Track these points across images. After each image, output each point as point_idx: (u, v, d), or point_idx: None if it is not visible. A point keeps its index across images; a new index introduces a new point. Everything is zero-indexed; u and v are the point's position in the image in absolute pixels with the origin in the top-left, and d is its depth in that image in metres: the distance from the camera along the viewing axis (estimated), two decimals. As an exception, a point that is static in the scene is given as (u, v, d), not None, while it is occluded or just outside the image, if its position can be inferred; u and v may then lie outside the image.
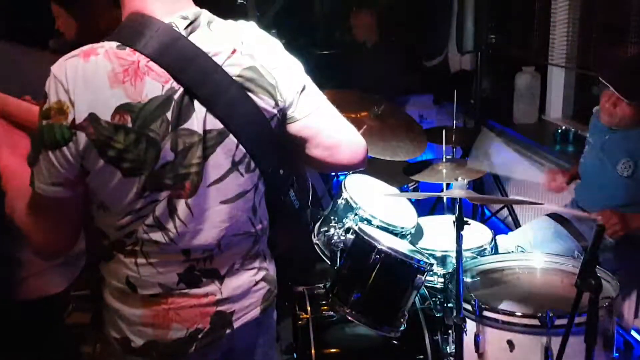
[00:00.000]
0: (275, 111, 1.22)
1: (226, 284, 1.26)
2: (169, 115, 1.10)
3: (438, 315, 2.18)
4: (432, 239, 2.47)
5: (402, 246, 2.06)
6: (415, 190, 3.11)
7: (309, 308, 2.21)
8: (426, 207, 3.71)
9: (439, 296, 2.28)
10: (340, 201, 2.26)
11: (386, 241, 1.96)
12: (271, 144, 1.25)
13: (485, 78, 3.99)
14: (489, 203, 3.34)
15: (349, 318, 1.94)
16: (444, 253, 2.31)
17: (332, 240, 2.14)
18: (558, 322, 1.79)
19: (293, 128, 1.27)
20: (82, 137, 1.06)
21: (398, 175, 2.94)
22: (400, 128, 2.75)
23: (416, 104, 5.12)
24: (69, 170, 1.08)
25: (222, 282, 1.26)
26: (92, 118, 1.05)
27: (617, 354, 1.93)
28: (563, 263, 2.19)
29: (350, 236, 2.06)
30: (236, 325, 1.28)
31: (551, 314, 1.78)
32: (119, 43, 1.09)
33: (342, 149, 1.31)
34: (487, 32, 3.55)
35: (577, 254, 2.35)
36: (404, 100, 5.07)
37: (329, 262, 2.21)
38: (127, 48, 1.09)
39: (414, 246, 2.25)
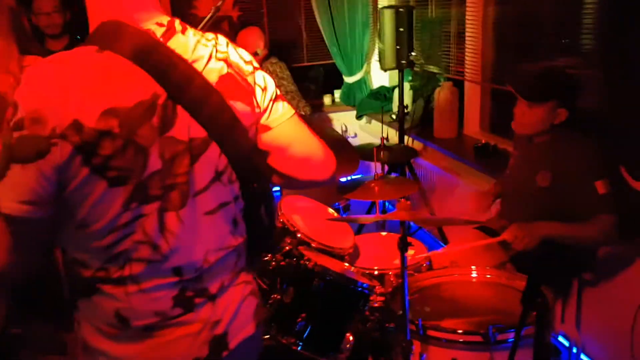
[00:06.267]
0: (252, 119, 1.20)
1: (218, 304, 1.20)
2: (155, 121, 1.04)
3: (378, 335, 2.16)
4: (368, 257, 2.46)
5: (345, 269, 2.04)
6: (346, 208, 3.10)
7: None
8: (355, 224, 3.71)
9: (376, 314, 2.26)
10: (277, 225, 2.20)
11: (330, 265, 1.92)
12: (249, 154, 1.21)
13: (406, 94, 4.07)
14: (435, 225, 3.39)
15: (293, 348, 1.88)
16: (381, 272, 2.31)
17: (270, 267, 2.07)
18: (500, 337, 1.82)
19: (267, 137, 1.24)
20: (64, 146, 0.97)
21: (330, 194, 2.92)
22: (330, 146, 2.73)
23: (338, 119, 5.18)
24: (44, 186, 0.99)
25: (215, 302, 1.20)
26: (76, 125, 0.97)
27: (553, 363, 2.00)
28: (496, 276, 2.25)
29: (291, 261, 2.01)
30: (232, 345, 1.22)
31: (493, 330, 1.81)
32: (97, 47, 1.02)
33: (313, 162, 1.29)
34: (408, 50, 3.62)
35: (509, 265, 2.42)
36: (325, 116, 5.11)
37: (268, 289, 2.15)
38: (107, 51, 1.02)
39: (353, 267, 2.23)
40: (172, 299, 1.13)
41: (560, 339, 2.70)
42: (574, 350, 2.62)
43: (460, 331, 1.88)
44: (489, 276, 2.26)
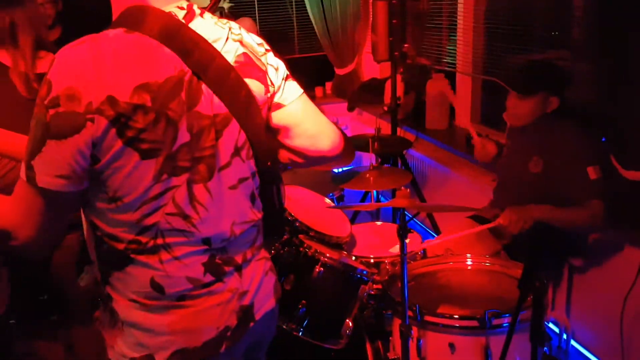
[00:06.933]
0: (266, 97, 1.25)
1: (244, 274, 1.25)
2: (183, 96, 1.09)
3: (375, 321, 2.20)
4: (364, 246, 2.50)
5: (344, 257, 2.07)
6: (340, 198, 3.13)
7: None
8: (349, 214, 3.74)
9: (372, 302, 2.30)
10: (275, 214, 2.22)
11: (329, 253, 1.95)
12: (264, 132, 1.26)
13: (397, 86, 4.09)
14: (430, 211, 3.42)
15: (294, 334, 1.91)
16: (377, 260, 2.35)
17: (271, 255, 2.10)
18: (496, 322, 1.86)
19: (279, 114, 1.29)
20: (99, 121, 1.01)
21: (325, 184, 2.95)
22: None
23: (329, 111, 5.20)
24: (78, 160, 1.03)
25: (241, 273, 1.25)
26: (110, 100, 1.01)
27: (546, 348, 2.04)
28: (490, 263, 2.29)
29: (290, 250, 2.03)
30: (257, 317, 1.28)
31: (489, 315, 1.85)
32: (125, 29, 1.07)
33: (323, 139, 1.34)
34: (401, 41, 3.64)
35: (503, 253, 2.47)
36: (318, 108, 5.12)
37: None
38: (135, 32, 1.07)
39: (351, 255, 2.26)
40: (202, 265, 1.18)
41: (551, 325, 2.75)
42: (564, 336, 2.67)
43: (456, 316, 1.92)
44: (483, 264, 2.30)
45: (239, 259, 1.25)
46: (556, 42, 3.26)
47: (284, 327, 1.93)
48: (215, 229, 1.18)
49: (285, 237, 2.11)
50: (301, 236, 2.09)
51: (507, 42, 3.63)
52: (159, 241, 1.13)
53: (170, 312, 1.17)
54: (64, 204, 1.09)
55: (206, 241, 1.18)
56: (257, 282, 1.29)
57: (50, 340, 2.00)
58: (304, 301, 1.91)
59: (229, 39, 1.20)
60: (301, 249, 2.00)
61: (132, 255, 1.13)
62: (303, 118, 1.31)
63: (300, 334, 1.90)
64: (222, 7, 4.62)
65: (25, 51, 1.71)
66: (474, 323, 1.87)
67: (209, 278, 1.19)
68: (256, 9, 5.09)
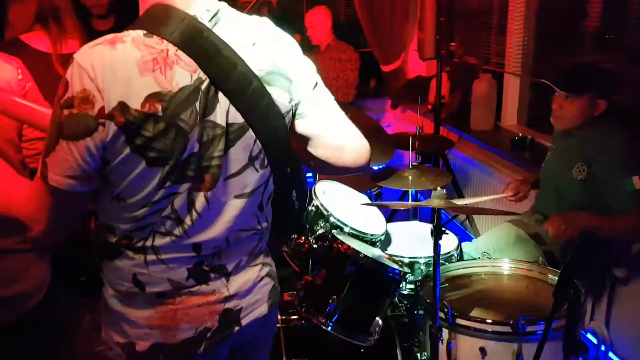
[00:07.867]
0: (289, 106, 1.22)
1: (233, 280, 1.25)
2: (197, 105, 1.08)
3: (406, 321, 2.19)
4: (399, 245, 2.48)
5: (377, 254, 2.06)
6: (378, 196, 3.12)
7: (279, 317, 2.18)
8: (386, 212, 3.72)
9: (405, 302, 2.29)
10: (311, 208, 2.24)
11: (362, 250, 1.95)
12: (284, 140, 1.24)
13: (443, 84, 4.05)
14: (469, 213, 3.38)
15: (324, 328, 1.92)
16: (411, 259, 2.33)
17: (303, 249, 2.11)
18: (529, 329, 1.82)
19: (301, 125, 1.27)
20: (110, 126, 1.02)
21: (363, 181, 2.94)
22: (366, 134, 2.75)
23: (373, 108, 5.18)
24: (88, 162, 1.04)
25: (229, 279, 1.24)
26: (122, 106, 1.02)
27: (582, 358, 1.99)
28: (528, 269, 2.24)
29: (323, 244, 2.04)
30: (244, 322, 1.27)
31: (523, 321, 1.81)
32: (145, 31, 1.07)
33: (346, 150, 1.30)
34: (448, 39, 3.60)
35: (542, 260, 2.41)
36: (361, 104, 5.11)
37: (299, 270, 2.19)
38: (155, 36, 1.06)
39: (385, 253, 2.25)
40: (187, 269, 1.18)
41: (589, 335, 2.68)
42: (602, 347, 2.60)
43: (489, 321, 1.89)
44: (521, 269, 2.26)
45: (230, 266, 1.24)
46: (609, 44, 3.16)
47: (314, 321, 1.94)
48: (206, 235, 1.17)
49: (319, 231, 2.12)
50: (334, 232, 2.09)
51: (558, 43, 3.54)
52: (148, 242, 1.14)
53: (150, 308, 1.18)
54: (74, 203, 1.11)
55: (196, 247, 1.18)
56: (247, 288, 1.27)
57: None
58: (334, 296, 1.91)
59: (257, 44, 1.17)
60: (334, 244, 2.00)
61: (122, 249, 1.16)
62: (327, 129, 1.27)
63: (330, 328, 1.91)
64: (270, 2, 4.65)
65: (71, 35, 1.75)
66: (507, 329, 1.84)
67: (191, 282, 1.19)
68: (304, 3, 5.11)
